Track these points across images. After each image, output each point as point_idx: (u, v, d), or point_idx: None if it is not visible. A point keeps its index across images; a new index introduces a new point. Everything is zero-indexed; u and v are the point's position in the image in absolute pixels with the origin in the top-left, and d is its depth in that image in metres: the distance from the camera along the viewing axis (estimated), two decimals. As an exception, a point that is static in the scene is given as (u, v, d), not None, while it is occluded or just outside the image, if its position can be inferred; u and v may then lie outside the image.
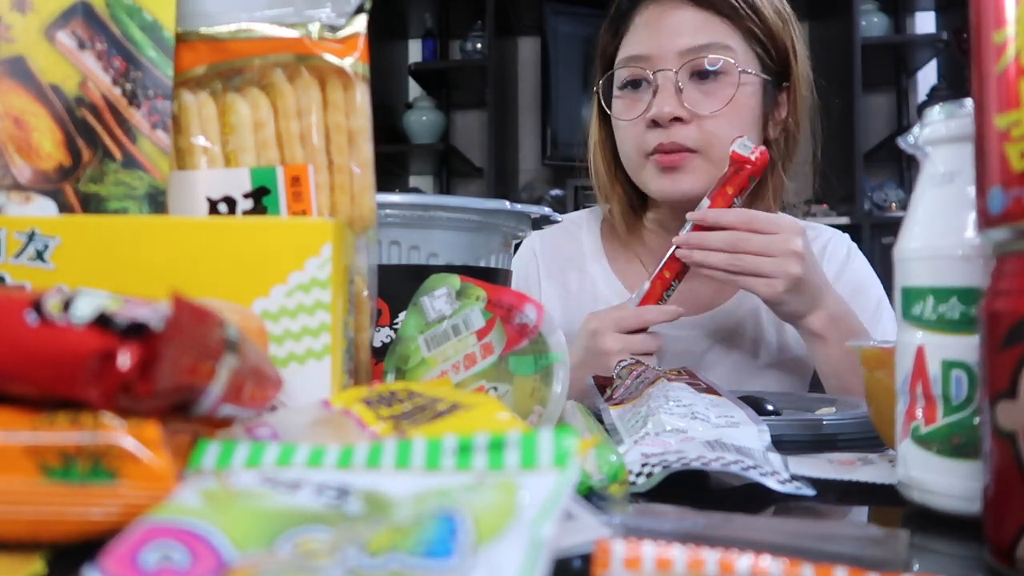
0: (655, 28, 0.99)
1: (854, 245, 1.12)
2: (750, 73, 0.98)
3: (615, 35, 1.05)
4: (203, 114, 0.48)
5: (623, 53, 1.02)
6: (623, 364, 0.77)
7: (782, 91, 1.03)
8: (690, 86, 0.97)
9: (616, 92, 1.04)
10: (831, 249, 1.09)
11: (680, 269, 0.90)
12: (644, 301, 0.90)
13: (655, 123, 0.97)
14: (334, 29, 0.49)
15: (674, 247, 0.89)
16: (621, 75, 1.02)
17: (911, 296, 0.42)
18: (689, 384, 0.65)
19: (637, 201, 1.10)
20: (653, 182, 1.00)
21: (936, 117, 0.42)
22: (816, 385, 1.10)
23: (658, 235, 1.10)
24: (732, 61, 0.97)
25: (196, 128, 0.48)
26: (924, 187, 0.43)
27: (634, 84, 1.01)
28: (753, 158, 0.89)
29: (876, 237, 2.77)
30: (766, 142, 1.02)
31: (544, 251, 1.14)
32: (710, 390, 0.64)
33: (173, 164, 0.48)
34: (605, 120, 1.07)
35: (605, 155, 1.09)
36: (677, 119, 0.97)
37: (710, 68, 0.97)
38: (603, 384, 0.75)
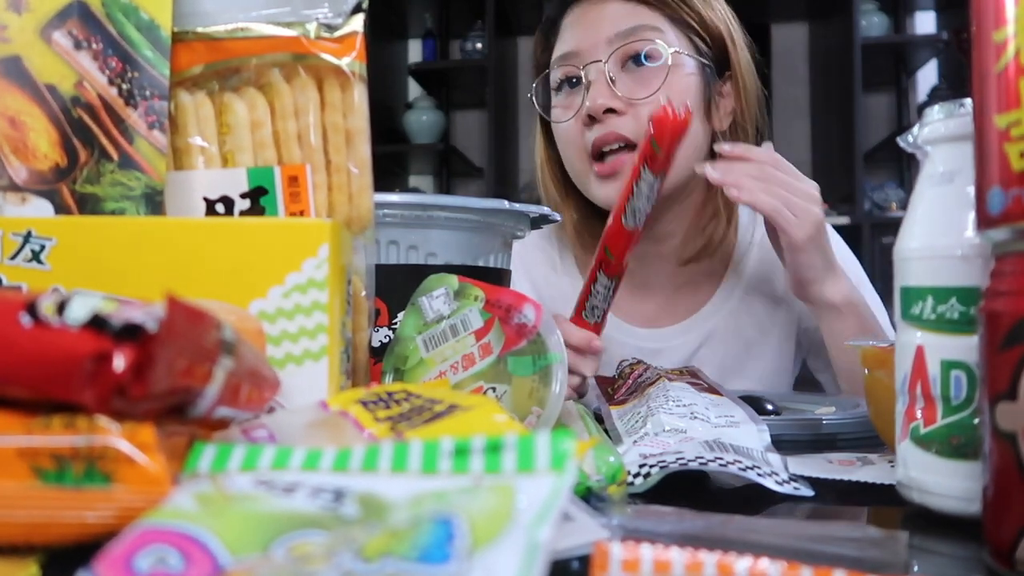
0: (581, 23, 0.97)
1: (830, 227, 1.11)
2: (682, 53, 0.94)
3: (546, 43, 1.03)
4: (200, 114, 0.48)
5: (554, 55, 1.00)
6: (625, 364, 0.77)
7: (725, 81, 1.00)
8: (623, 76, 0.94)
9: (553, 99, 1.01)
10: None
11: (600, 268, 0.79)
12: (574, 317, 0.82)
13: (591, 119, 0.93)
14: (331, 28, 0.49)
15: (595, 262, 0.80)
16: (554, 77, 1.00)
17: (910, 296, 0.42)
18: (690, 384, 0.65)
19: (593, 213, 1.05)
20: (598, 190, 0.97)
21: (936, 117, 0.42)
22: (803, 383, 1.10)
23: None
24: (663, 43, 0.93)
25: (193, 128, 0.48)
26: (924, 187, 0.43)
27: (569, 83, 0.98)
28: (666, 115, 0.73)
29: (876, 237, 2.77)
30: (713, 134, 0.98)
31: (516, 269, 1.11)
32: (711, 389, 0.64)
33: (170, 164, 0.48)
34: (549, 137, 1.05)
35: (553, 173, 1.06)
36: (611, 111, 0.93)
37: (640, 52, 0.93)
38: (604, 384, 0.75)
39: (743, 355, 1.05)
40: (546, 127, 1.05)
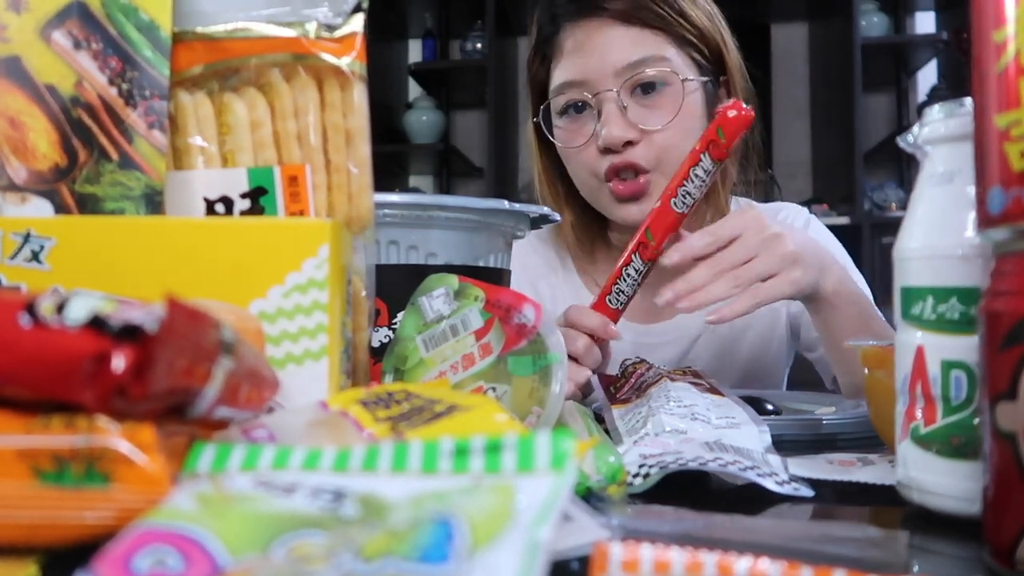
0: (585, 50, 0.97)
1: (813, 216, 1.11)
2: (692, 80, 0.96)
3: (543, 61, 1.03)
4: (200, 114, 0.48)
5: (557, 80, 1.00)
6: (628, 362, 0.77)
7: (721, 86, 1.01)
8: (632, 103, 0.95)
9: (556, 121, 1.02)
10: (789, 223, 1.08)
11: (637, 251, 0.79)
12: (596, 303, 0.82)
13: (608, 149, 0.95)
14: (331, 28, 0.48)
15: (633, 245, 0.80)
16: (559, 102, 1.00)
17: (911, 296, 0.42)
18: (692, 384, 0.65)
19: (593, 220, 1.07)
20: (616, 209, 0.99)
21: (936, 116, 0.42)
22: (803, 384, 1.11)
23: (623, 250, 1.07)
24: (672, 72, 0.95)
25: (193, 128, 0.48)
26: (924, 187, 0.43)
27: (576, 108, 0.99)
28: (729, 115, 0.75)
29: (876, 237, 2.77)
30: None
31: (515, 271, 1.12)
32: (712, 390, 0.64)
33: (170, 164, 0.48)
34: (547, 148, 1.05)
35: (551, 181, 1.07)
36: (628, 143, 0.95)
37: (652, 82, 0.95)
38: (608, 382, 0.75)
39: (735, 339, 1.06)
40: (541, 137, 1.06)
